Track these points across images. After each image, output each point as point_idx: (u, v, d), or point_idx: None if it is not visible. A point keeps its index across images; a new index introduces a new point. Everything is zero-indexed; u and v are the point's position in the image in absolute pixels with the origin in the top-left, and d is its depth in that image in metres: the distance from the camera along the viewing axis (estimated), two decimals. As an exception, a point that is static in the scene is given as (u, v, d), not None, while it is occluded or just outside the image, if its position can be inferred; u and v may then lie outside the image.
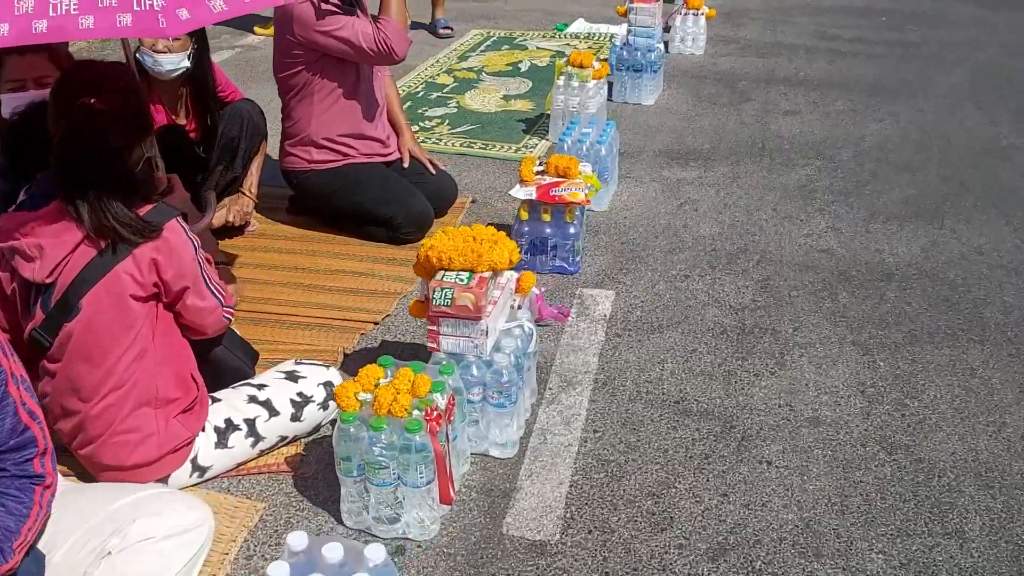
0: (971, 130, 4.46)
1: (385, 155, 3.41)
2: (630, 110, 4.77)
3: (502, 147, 4.29)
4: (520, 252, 3.12)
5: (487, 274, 2.17)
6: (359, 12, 3.18)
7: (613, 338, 2.79)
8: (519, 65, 5.54)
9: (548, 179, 3.13)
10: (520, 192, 3.08)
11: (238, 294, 2.75)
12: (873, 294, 3.02)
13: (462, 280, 2.13)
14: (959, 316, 2.90)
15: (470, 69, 5.47)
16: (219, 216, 3.23)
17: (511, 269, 2.36)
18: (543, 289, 2.85)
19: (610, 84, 4.83)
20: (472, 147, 4.30)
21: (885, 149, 4.24)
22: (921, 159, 4.12)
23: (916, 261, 3.23)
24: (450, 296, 2.10)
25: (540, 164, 3.20)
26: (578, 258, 3.15)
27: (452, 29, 6.23)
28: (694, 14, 5.84)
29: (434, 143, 4.33)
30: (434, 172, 3.47)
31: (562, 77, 4.26)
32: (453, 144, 4.32)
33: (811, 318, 2.89)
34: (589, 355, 2.70)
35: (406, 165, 3.45)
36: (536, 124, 4.54)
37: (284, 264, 3.21)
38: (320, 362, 2.37)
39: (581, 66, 4.26)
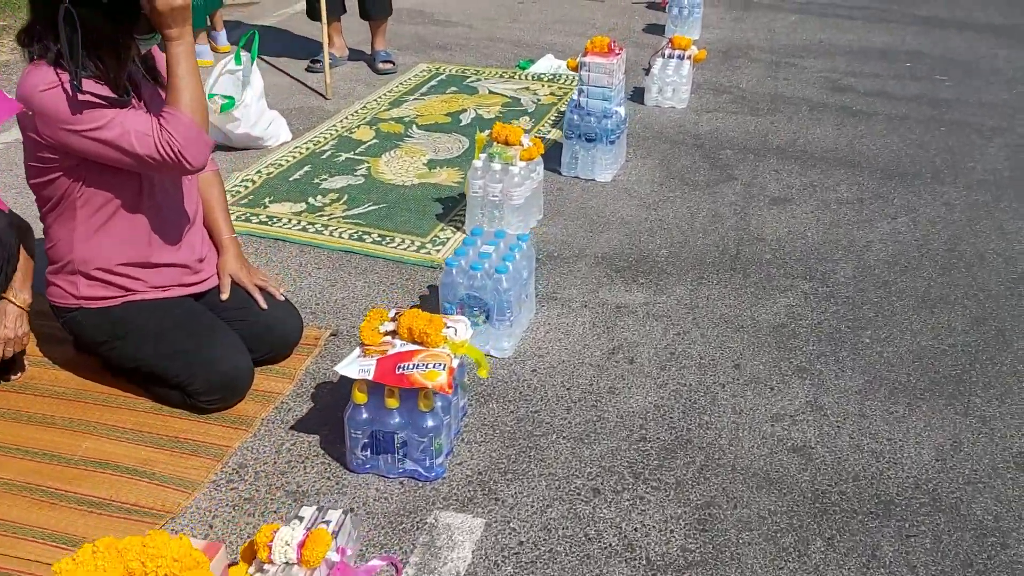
0: (1013, 240, 3.46)
1: (193, 284, 2.46)
2: (579, 190, 3.80)
3: (404, 241, 3.34)
4: (356, 449, 2.20)
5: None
6: (143, 100, 2.23)
7: (457, 623, 1.84)
8: (460, 116, 4.58)
9: (399, 345, 2.17)
10: (352, 367, 2.12)
11: None
12: (862, 543, 2.05)
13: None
14: (989, 595, 1.93)
15: (399, 120, 4.51)
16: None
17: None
18: (349, 552, 1.88)
19: (562, 146, 3.90)
20: (364, 239, 3.34)
21: (897, 266, 3.24)
22: (943, 285, 3.13)
23: (927, 477, 2.25)
24: None
25: (393, 319, 2.24)
26: (440, 459, 2.19)
27: (394, 64, 5.27)
28: (679, 57, 4.86)
29: (316, 232, 3.38)
30: (265, 306, 2.51)
31: (482, 156, 3.30)
32: (340, 234, 3.36)
33: (764, 592, 1.92)
34: (410, 663, 1.75)
35: (225, 296, 2.50)
36: (457, 207, 3.58)
37: (29, 444, 2.27)
38: None
39: (507, 143, 3.30)
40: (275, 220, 3.45)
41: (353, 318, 2.85)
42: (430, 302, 2.90)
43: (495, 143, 3.31)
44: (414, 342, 2.16)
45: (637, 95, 4.87)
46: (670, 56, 4.89)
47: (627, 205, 3.67)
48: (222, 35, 5.50)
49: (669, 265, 3.22)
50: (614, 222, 3.53)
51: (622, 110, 3.86)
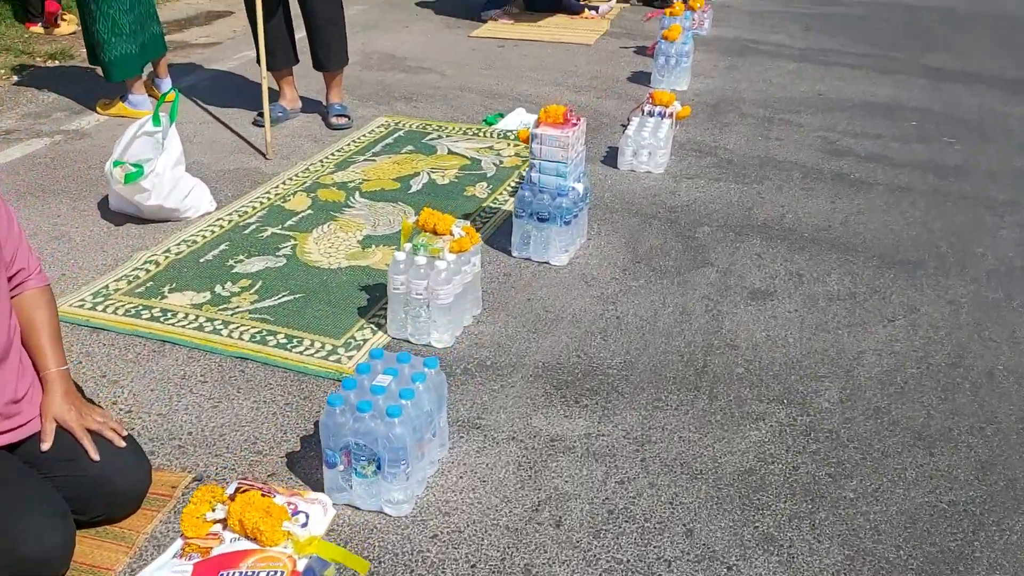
0: (1026, 350, 2.96)
1: (5, 432, 1.98)
2: (528, 276, 3.32)
3: (312, 344, 2.86)
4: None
5: None
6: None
7: None
8: (411, 181, 4.11)
9: (229, 540, 1.68)
10: (162, 574, 1.62)
11: None
12: None
13: None
14: None
15: (342, 185, 4.04)
16: None
17: None
18: None
19: (515, 215, 3.42)
20: (267, 342, 2.86)
21: (892, 387, 2.74)
22: (945, 415, 2.62)
23: None
24: None
25: (231, 497, 1.75)
26: None
27: (350, 118, 4.82)
28: (659, 115, 4.40)
29: (212, 331, 2.90)
30: (96, 456, 2.03)
31: (406, 247, 2.83)
32: (240, 335, 2.88)
33: None
34: None
35: (46, 445, 2.02)
36: (385, 297, 3.08)
37: None
38: None
39: (435, 232, 2.82)
40: (168, 316, 2.98)
41: (229, 455, 2.36)
42: (325, 432, 2.41)
43: (422, 231, 2.84)
44: (246, 535, 1.67)
45: (611, 157, 4.40)
46: (649, 114, 4.43)
47: (582, 297, 3.18)
48: (166, 82, 5.06)
49: (621, 381, 2.72)
50: (564, 319, 3.04)
51: (580, 186, 3.38)
